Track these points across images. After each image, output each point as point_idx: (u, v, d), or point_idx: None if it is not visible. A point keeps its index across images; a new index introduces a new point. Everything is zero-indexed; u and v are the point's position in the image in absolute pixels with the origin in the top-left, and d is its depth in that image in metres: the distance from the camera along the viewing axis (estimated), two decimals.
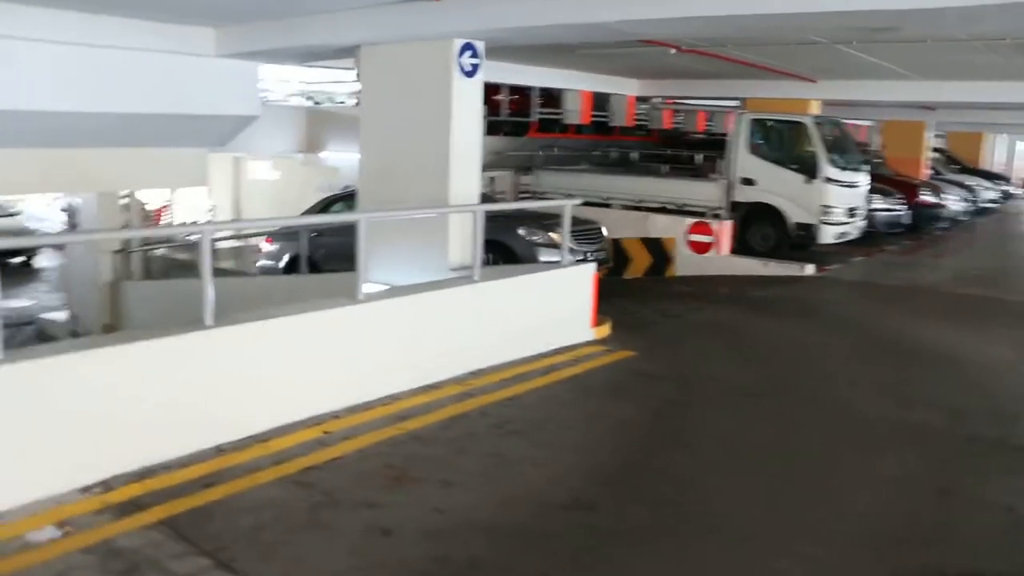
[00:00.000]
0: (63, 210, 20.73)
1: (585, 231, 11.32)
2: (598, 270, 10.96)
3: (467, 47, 8.96)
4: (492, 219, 8.18)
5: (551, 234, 10.25)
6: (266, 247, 12.47)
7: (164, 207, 21.32)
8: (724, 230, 13.45)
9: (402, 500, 4.67)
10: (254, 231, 13.62)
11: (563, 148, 17.67)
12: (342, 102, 26.03)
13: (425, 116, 9.11)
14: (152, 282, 13.52)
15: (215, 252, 14.79)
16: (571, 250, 10.32)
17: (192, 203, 21.35)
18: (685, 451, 5.60)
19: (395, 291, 6.86)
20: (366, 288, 6.36)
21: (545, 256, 8.44)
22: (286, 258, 11.91)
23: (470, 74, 9.05)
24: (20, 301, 16.78)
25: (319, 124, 16.89)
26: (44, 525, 4.29)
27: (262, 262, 12.49)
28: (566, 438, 5.74)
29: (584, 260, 10.85)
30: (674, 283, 11.33)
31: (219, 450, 5.21)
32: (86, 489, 4.64)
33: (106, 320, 12.88)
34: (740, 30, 8.50)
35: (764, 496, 4.94)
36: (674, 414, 6.32)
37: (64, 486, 4.63)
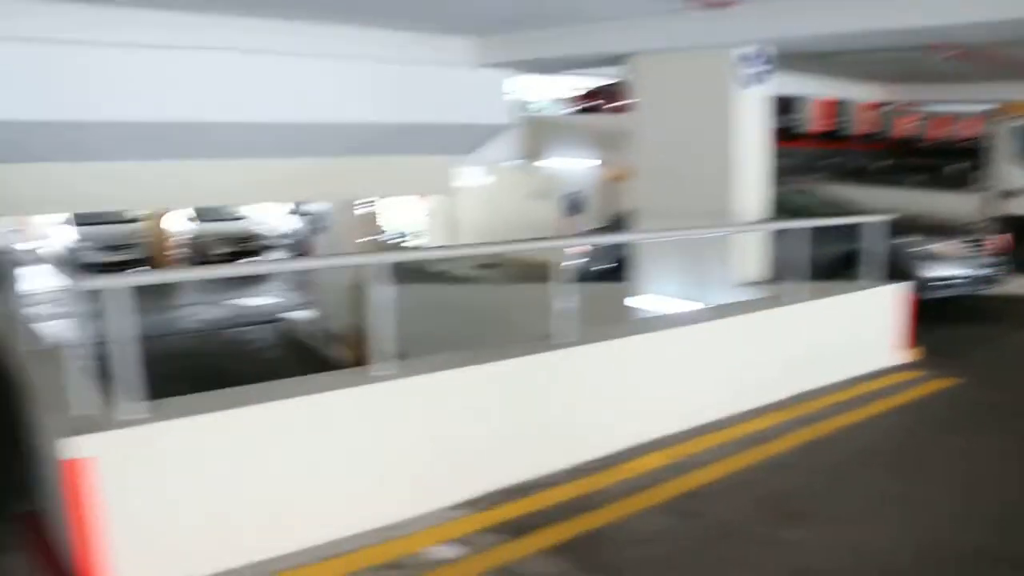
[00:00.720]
0: (292, 213, 21.84)
1: (974, 242, 9.73)
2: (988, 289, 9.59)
3: (756, 55, 8.62)
4: (851, 229, 7.28)
5: (934, 246, 9.08)
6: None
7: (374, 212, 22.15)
8: (998, 246, 12.42)
9: (804, 537, 4.33)
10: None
11: (794, 157, 16.92)
12: (540, 110, 26.16)
13: (704, 126, 8.83)
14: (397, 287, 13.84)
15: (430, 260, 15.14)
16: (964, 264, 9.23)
17: (400, 208, 22.05)
18: None
19: (720, 310, 6.59)
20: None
21: (927, 271, 7.55)
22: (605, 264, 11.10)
23: (758, 82, 8.71)
24: (261, 299, 17.70)
25: (536, 132, 16.85)
26: (441, 542, 4.25)
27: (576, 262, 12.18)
28: (941, 474, 5.20)
29: (984, 278, 9.59)
30: (958, 300, 10.29)
31: (573, 471, 5.09)
32: (460, 505, 4.61)
33: (350, 321, 13.31)
34: None
35: None
36: None
37: (443, 501, 4.62)
